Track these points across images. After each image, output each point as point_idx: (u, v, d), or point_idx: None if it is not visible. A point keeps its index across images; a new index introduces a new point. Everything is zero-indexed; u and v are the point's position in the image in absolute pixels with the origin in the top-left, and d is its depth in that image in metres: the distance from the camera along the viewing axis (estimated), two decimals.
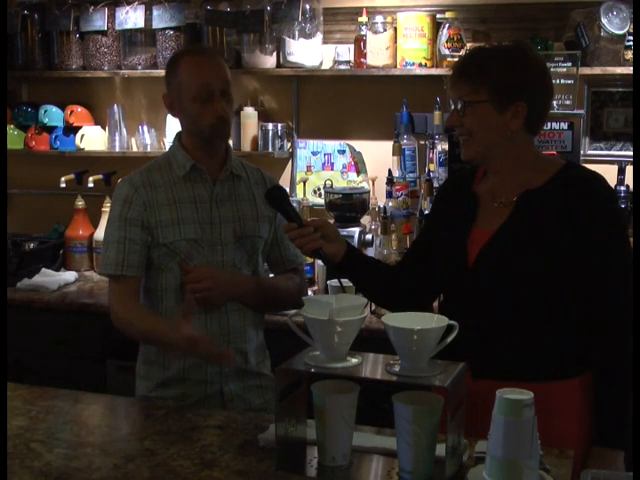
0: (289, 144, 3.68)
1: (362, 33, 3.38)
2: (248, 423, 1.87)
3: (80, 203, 3.80)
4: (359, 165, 3.63)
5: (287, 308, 2.24)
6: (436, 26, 3.30)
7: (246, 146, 3.59)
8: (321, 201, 3.57)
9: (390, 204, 3.28)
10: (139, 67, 3.66)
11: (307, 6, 3.41)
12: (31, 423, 1.87)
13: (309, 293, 2.93)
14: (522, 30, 3.28)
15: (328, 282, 3.04)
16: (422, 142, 3.42)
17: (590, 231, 1.85)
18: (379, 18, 3.32)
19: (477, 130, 1.89)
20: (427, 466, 1.56)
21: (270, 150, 3.58)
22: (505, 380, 1.67)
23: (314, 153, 3.71)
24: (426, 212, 3.10)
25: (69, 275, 3.60)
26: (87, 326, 3.25)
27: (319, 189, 3.68)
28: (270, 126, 3.58)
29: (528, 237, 1.87)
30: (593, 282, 1.87)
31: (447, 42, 3.25)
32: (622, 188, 3.10)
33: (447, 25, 3.25)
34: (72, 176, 3.80)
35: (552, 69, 2.98)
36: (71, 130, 3.84)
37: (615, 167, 3.15)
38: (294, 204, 2.62)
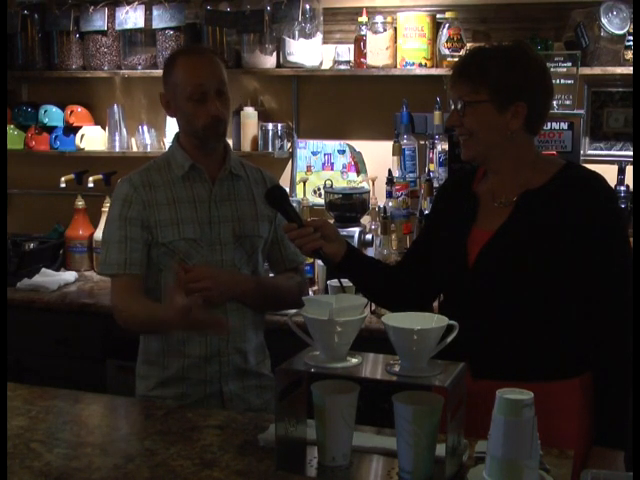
0: (289, 144, 3.68)
1: (362, 33, 3.38)
2: (248, 423, 1.87)
3: (80, 203, 3.80)
4: (359, 165, 3.63)
5: (288, 307, 2.24)
6: (436, 26, 3.30)
7: (246, 146, 3.59)
8: (321, 201, 3.57)
9: (390, 204, 3.28)
10: (139, 67, 3.66)
11: (307, 6, 3.41)
12: (31, 423, 1.87)
13: (309, 293, 2.92)
14: (522, 30, 3.28)
15: (328, 282, 3.04)
16: (422, 142, 3.42)
17: (590, 231, 1.85)
18: (379, 18, 3.32)
19: (477, 130, 1.89)
20: (427, 466, 1.56)
21: (270, 150, 3.59)
22: (505, 380, 1.67)
23: (314, 153, 3.71)
24: (426, 212, 3.10)
25: (69, 275, 3.60)
26: (87, 326, 3.25)
27: (319, 189, 3.68)
28: (270, 126, 3.58)
29: (528, 237, 1.87)
30: (593, 282, 1.87)
31: (447, 42, 3.25)
32: (622, 188, 3.10)
33: (447, 25, 3.25)
34: (72, 176, 3.80)
35: (552, 69, 2.98)
36: (71, 130, 3.84)
37: (615, 167, 3.15)
38: (294, 204, 2.62)
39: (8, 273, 3.35)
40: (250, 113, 3.60)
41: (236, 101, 3.61)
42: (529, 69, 1.88)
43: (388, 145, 3.40)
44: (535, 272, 1.86)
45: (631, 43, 3.09)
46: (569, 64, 3.09)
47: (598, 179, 1.92)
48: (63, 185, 3.78)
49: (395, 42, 3.33)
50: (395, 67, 3.33)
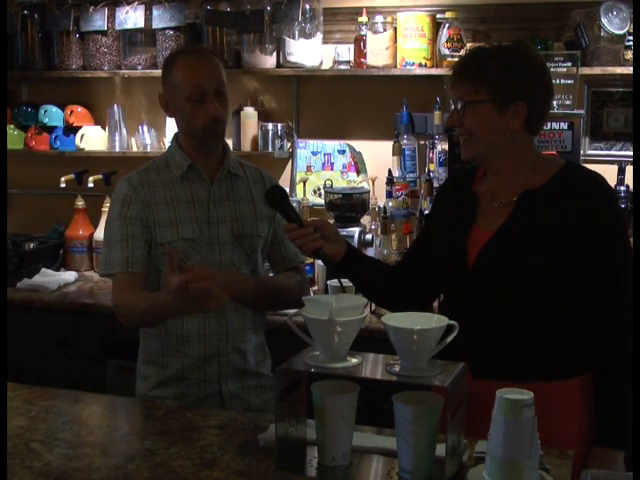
0: (289, 144, 3.68)
1: (362, 33, 3.38)
2: (248, 423, 1.87)
3: (80, 203, 3.80)
4: (359, 165, 3.63)
5: (288, 307, 2.25)
6: (436, 26, 3.30)
7: (246, 146, 3.59)
8: (321, 201, 3.57)
9: (390, 204, 3.28)
10: (139, 67, 3.66)
11: (307, 6, 3.41)
12: (31, 423, 1.87)
13: (309, 293, 2.92)
14: (522, 30, 3.28)
15: (328, 282, 3.04)
16: (422, 142, 3.42)
17: (590, 231, 1.85)
18: (379, 18, 3.32)
19: (477, 130, 1.89)
20: (427, 466, 1.56)
21: (270, 150, 3.59)
22: (505, 380, 1.67)
23: (314, 153, 3.71)
24: (426, 212, 3.10)
25: (69, 275, 3.60)
26: (87, 326, 3.25)
27: (319, 189, 3.68)
28: (270, 126, 3.58)
29: (528, 237, 1.87)
30: (593, 282, 1.87)
31: (447, 42, 3.25)
32: (622, 188, 3.10)
33: (447, 25, 3.25)
34: (72, 176, 3.80)
35: (552, 69, 2.98)
36: (71, 130, 3.84)
37: (615, 167, 3.15)
38: (294, 204, 2.62)
39: (8, 273, 3.35)
40: (250, 113, 3.60)
41: (236, 101, 3.61)
42: (529, 69, 1.88)
43: (388, 145, 3.40)
44: (535, 272, 1.86)
45: (631, 43, 3.09)
46: (569, 64, 3.10)
47: (598, 179, 1.92)
48: (63, 185, 3.78)
49: (395, 42, 3.33)
50: (395, 67, 3.33)
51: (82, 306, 3.26)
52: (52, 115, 3.86)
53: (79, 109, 3.86)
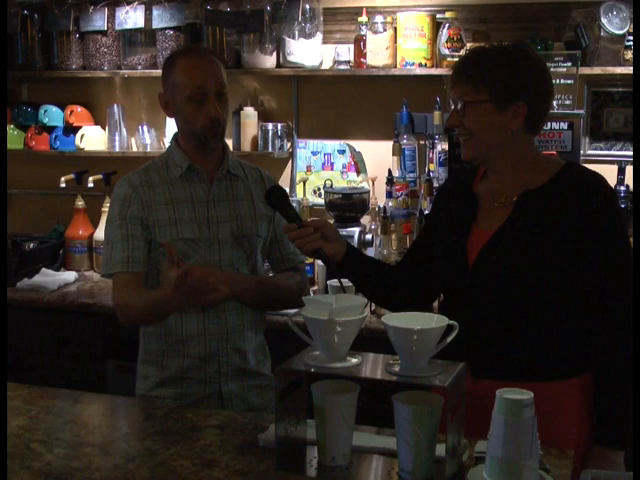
0: (289, 144, 3.68)
1: (362, 33, 3.38)
2: (248, 423, 1.87)
3: (80, 203, 3.80)
4: (359, 165, 3.63)
5: (288, 307, 2.25)
6: (436, 26, 3.30)
7: (246, 146, 3.59)
8: (321, 201, 3.57)
9: (390, 204, 3.28)
10: (139, 67, 3.66)
11: (307, 6, 3.41)
12: (31, 423, 1.87)
13: (309, 293, 2.92)
14: (522, 30, 3.28)
15: (328, 282, 3.04)
16: (422, 142, 3.41)
17: (590, 231, 1.85)
18: (379, 18, 3.32)
19: (477, 130, 1.89)
20: (427, 466, 1.56)
21: (270, 150, 3.59)
22: (505, 380, 1.67)
23: (314, 153, 3.71)
24: (426, 212, 3.10)
25: (69, 275, 3.60)
26: (87, 326, 3.25)
27: (319, 189, 3.68)
28: (270, 126, 3.58)
29: (528, 237, 1.87)
30: (593, 282, 1.87)
31: (447, 42, 3.25)
32: (622, 188, 3.10)
33: (447, 25, 3.26)
34: (72, 176, 3.80)
35: (552, 69, 2.98)
36: (71, 130, 3.84)
37: (615, 167, 3.15)
38: (294, 204, 2.62)
39: (8, 273, 3.35)
40: (250, 113, 3.60)
41: (236, 101, 3.61)
42: (529, 69, 1.88)
43: (388, 145, 3.40)
44: (535, 272, 1.86)
45: (631, 43, 3.09)
46: (569, 64, 3.10)
47: (598, 179, 1.92)
48: (63, 185, 3.78)
49: (395, 42, 3.33)
50: (395, 67, 3.33)
51: (82, 306, 3.26)
52: (52, 115, 3.86)
53: (79, 109, 3.86)
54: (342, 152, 3.67)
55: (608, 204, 1.89)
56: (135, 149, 3.81)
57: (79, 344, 3.26)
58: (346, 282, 2.17)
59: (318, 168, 3.71)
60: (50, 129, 3.87)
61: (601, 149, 3.36)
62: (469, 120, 1.89)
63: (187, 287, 1.91)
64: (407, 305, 1.81)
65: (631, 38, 3.08)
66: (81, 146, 3.80)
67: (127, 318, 2.17)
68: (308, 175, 3.70)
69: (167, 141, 3.64)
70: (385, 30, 3.32)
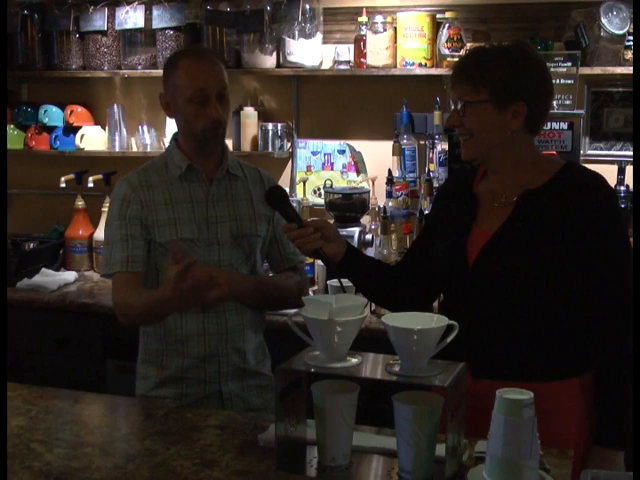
0: (289, 144, 3.68)
1: (362, 33, 3.38)
2: (248, 423, 1.87)
3: (80, 203, 3.80)
4: (359, 165, 3.63)
5: (288, 307, 2.25)
6: (436, 26, 3.30)
7: (246, 146, 3.59)
8: (321, 201, 3.57)
9: (390, 204, 3.28)
10: (139, 67, 3.66)
11: (307, 6, 3.41)
12: (31, 423, 1.87)
13: (309, 293, 2.92)
14: (522, 30, 3.29)
15: (328, 282, 3.04)
16: (422, 142, 3.41)
17: (590, 231, 1.85)
18: (379, 18, 3.32)
19: (478, 130, 1.89)
20: (427, 466, 1.56)
21: (270, 150, 3.59)
22: (505, 380, 1.67)
23: (314, 153, 3.71)
24: (426, 212, 3.10)
25: (69, 275, 3.60)
26: (87, 326, 3.25)
27: (319, 189, 3.68)
28: (270, 126, 3.58)
29: (528, 237, 1.87)
30: (593, 282, 1.87)
31: (447, 42, 3.25)
32: (622, 188, 3.10)
33: (447, 25, 3.26)
34: (72, 176, 3.80)
35: (552, 69, 2.98)
36: (71, 130, 3.84)
37: (615, 167, 3.15)
38: (294, 204, 2.62)
39: (8, 273, 3.35)
40: (250, 113, 3.60)
41: (236, 101, 3.61)
42: (529, 69, 1.88)
43: (388, 145, 3.40)
44: (535, 272, 1.86)
45: (631, 43, 3.09)
46: (569, 64, 3.10)
47: (598, 179, 1.92)
48: (63, 185, 3.78)
49: (395, 42, 3.33)
50: (395, 67, 3.33)
51: (82, 306, 3.26)
52: (52, 115, 3.86)
53: (79, 109, 3.86)
54: (342, 152, 3.67)
55: (608, 204, 1.90)
56: (135, 149, 3.81)
57: (79, 344, 3.26)
58: (346, 282, 2.17)
59: (318, 168, 3.71)
60: (50, 129, 3.87)
61: (601, 149, 3.36)
62: (469, 120, 1.89)
63: (187, 285, 1.92)
64: (407, 305, 1.81)
65: (631, 38, 3.08)
66: (81, 146, 3.80)
67: (127, 318, 2.17)
68: (308, 175, 3.70)
69: (167, 141, 3.63)
70: (385, 30, 3.32)
